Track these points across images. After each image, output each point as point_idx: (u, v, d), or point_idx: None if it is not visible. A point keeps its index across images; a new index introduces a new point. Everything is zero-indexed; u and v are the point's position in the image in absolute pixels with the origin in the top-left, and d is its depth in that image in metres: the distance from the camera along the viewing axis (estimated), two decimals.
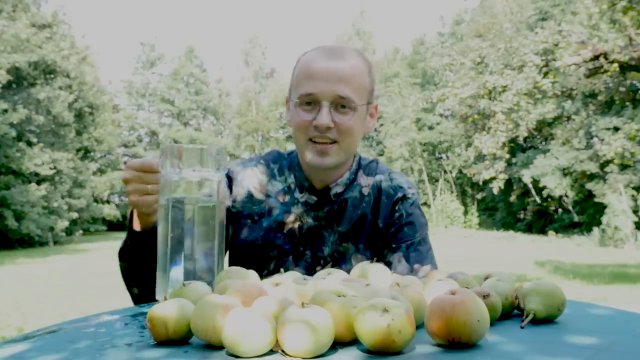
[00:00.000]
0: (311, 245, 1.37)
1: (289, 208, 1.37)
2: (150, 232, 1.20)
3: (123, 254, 1.28)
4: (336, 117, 1.27)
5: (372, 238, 1.38)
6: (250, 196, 1.39)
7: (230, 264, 1.43)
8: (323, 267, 1.35)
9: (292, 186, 1.39)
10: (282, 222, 1.37)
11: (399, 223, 1.38)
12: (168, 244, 0.99)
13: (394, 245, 1.38)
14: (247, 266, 1.35)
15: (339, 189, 1.37)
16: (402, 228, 1.38)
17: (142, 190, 1.13)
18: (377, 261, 1.39)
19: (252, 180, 1.40)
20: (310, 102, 1.28)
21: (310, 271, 1.35)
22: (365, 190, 1.40)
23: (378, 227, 1.38)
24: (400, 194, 1.40)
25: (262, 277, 1.36)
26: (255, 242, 1.37)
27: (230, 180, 1.41)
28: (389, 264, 1.37)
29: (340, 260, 1.37)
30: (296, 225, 1.37)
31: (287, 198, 1.38)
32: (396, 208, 1.39)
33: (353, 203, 1.38)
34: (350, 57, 1.31)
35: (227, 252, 1.43)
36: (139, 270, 1.26)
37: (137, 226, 1.23)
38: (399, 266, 1.36)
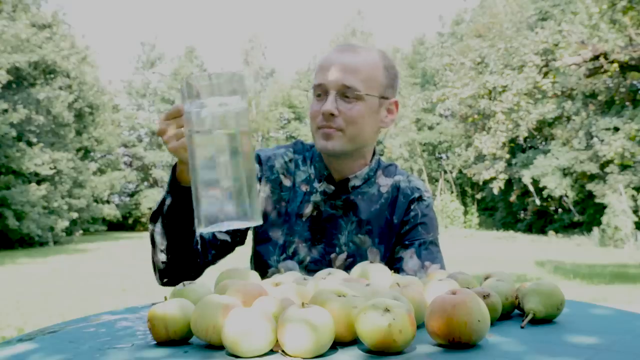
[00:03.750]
0: (328, 232, 1.41)
1: (308, 197, 1.43)
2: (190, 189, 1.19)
3: (158, 215, 1.27)
4: (341, 106, 1.33)
5: (387, 234, 1.42)
6: (279, 182, 1.45)
7: (254, 246, 1.47)
8: (338, 255, 1.40)
9: (312, 176, 1.45)
10: (302, 210, 1.42)
11: (414, 222, 1.42)
12: (196, 177, 0.96)
13: (406, 242, 1.41)
14: (270, 250, 1.40)
15: (356, 182, 1.42)
16: (416, 227, 1.42)
17: (177, 134, 1.10)
18: (389, 257, 1.42)
19: (281, 167, 1.46)
20: (321, 92, 1.36)
21: (326, 257, 1.40)
22: (384, 189, 1.44)
23: (393, 224, 1.42)
24: (417, 195, 1.45)
25: (281, 260, 1.39)
26: (279, 227, 1.43)
27: (260, 164, 1.47)
28: (400, 260, 1.40)
29: (356, 252, 1.40)
30: (314, 213, 1.42)
31: (307, 188, 1.44)
32: (412, 207, 1.43)
33: (370, 198, 1.43)
34: (363, 52, 1.38)
35: (253, 235, 1.46)
36: (174, 232, 1.25)
37: (183, 181, 1.21)
38: (410, 262, 1.39)
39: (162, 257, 1.29)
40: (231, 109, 0.95)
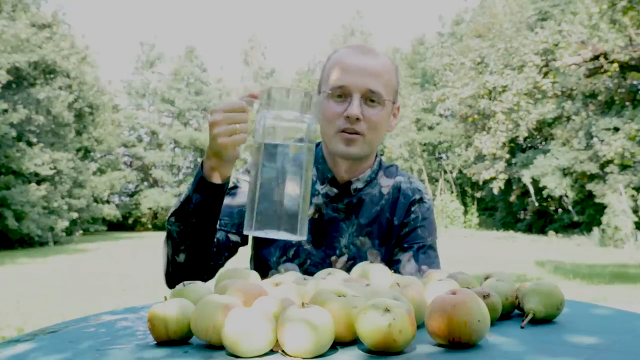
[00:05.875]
0: (329, 235, 1.41)
1: (310, 199, 1.42)
2: (222, 187, 1.21)
3: (181, 213, 1.24)
4: (365, 110, 1.33)
5: (388, 235, 1.42)
6: None
7: (255, 247, 1.47)
8: (339, 257, 1.40)
9: (314, 178, 1.43)
10: None
11: (414, 225, 1.42)
12: (257, 184, 1.00)
13: (405, 245, 1.41)
14: (271, 252, 1.40)
15: (359, 185, 1.42)
16: (416, 230, 1.42)
17: (231, 130, 1.11)
18: (387, 258, 1.42)
19: None
20: (342, 94, 1.33)
21: (326, 260, 1.40)
22: (385, 190, 1.44)
23: (393, 225, 1.42)
24: (417, 196, 1.45)
25: (282, 262, 1.40)
26: None
27: None
28: (397, 262, 1.40)
29: (357, 254, 1.40)
30: (316, 215, 1.41)
31: None
32: (412, 209, 1.43)
33: (372, 200, 1.43)
34: (381, 56, 1.39)
35: (260, 240, 1.46)
36: (199, 230, 1.24)
37: (215, 178, 1.21)
38: (408, 265, 1.39)
39: (182, 256, 1.27)
40: (305, 125, 0.99)
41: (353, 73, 1.32)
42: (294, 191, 0.98)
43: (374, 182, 1.44)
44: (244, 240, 1.43)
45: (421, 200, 1.45)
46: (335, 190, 1.41)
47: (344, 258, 1.40)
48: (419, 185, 1.48)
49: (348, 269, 1.38)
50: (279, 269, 1.40)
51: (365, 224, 1.41)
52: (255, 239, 1.46)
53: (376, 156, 1.47)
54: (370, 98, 1.32)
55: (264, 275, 1.41)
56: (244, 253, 1.54)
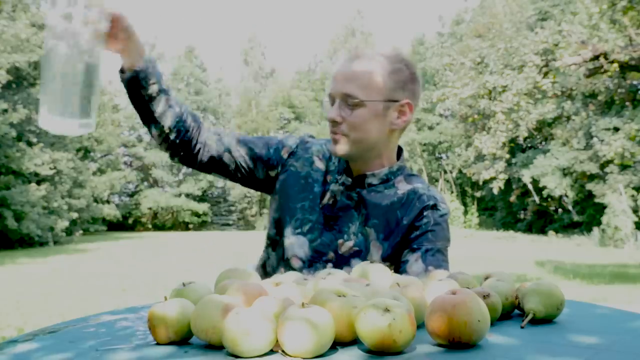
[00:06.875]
0: (340, 220, 1.48)
1: (328, 185, 1.52)
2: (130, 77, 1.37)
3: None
4: (344, 113, 1.42)
5: (393, 232, 1.45)
6: (312, 161, 1.55)
7: (272, 215, 1.56)
8: (345, 242, 1.45)
9: (334, 168, 1.54)
10: (322, 196, 1.51)
11: (424, 229, 1.44)
12: (43, 77, 1.03)
13: (414, 247, 1.43)
14: (286, 219, 1.51)
15: (373, 180, 1.48)
16: (426, 233, 1.44)
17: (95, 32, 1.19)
18: (390, 255, 1.44)
19: (318, 151, 1.57)
20: (331, 101, 1.46)
21: (334, 242, 1.46)
22: (400, 192, 1.48)
23: (401, 224, 1.45)
24: (432, 202, 1.47)
25: (295, 234, 1.49)
26: (301, 201, 1.51)
27: (300, 144, 1.59)
28: (405, 262, 1.42)
29: (363, 243, 1.45)
30: (331, 201, 1.50)
31: (330, 178, 1.53)
32: (424, 214, 1.45)
33: (384, 196, 1.47)
34: (366, 60, 1.45)
35: (280, 205, 1.54)
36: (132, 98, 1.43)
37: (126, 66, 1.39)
38: (415, 265, 1.40)
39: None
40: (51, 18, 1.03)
41: (335, 80, 1.45)
42: (66, 81, 1.01)
43: (390, 182, 1.49)
44: (237, 171, 1.54)
45: (435, 206, 1.46)
46: (349, 180, 1.49)
47: (350, 243, 1.44)
48: (437, 194, 1.50)
49: (352, 254, 1.43)
50: (290, 241, 1.48)
51: (373, 215, 1.45)
52: (273, 204, 1.56)
53: (399, 158, 1.52)
54: (346, 101, 1.42)
55: (275, 242, 1.52)
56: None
